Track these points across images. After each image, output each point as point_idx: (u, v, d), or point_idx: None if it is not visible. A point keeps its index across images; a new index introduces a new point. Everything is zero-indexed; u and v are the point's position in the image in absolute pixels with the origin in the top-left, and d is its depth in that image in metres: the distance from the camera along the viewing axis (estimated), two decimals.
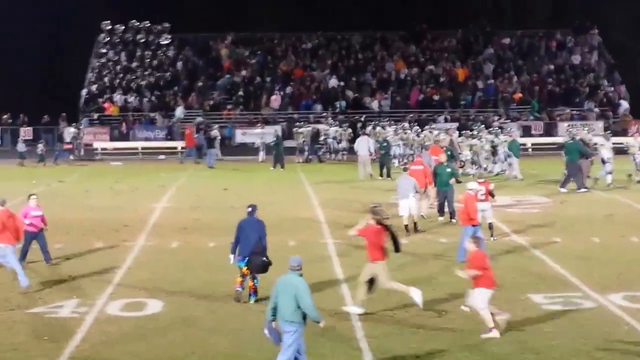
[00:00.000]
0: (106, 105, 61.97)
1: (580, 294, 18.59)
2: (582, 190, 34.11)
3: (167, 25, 67.42)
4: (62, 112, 59.84)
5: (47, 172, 45.61)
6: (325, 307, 16.22)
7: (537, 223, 27.32)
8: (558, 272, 20.68)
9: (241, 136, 58.98)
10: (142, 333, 16.24)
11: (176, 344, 15.58)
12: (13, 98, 62.94)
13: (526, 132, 57.68)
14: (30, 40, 66.42)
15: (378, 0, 72.24)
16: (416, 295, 17.15)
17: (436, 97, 62.49)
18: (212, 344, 15.56)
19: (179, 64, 66.09)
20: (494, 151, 40.90)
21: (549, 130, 58.88)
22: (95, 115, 61.16)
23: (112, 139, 58.76)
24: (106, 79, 64.45)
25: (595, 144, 37.06)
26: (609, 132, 41.39)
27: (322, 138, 51.57)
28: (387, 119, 55.61)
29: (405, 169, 26.93)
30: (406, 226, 25.30)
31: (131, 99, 62.63)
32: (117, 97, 62.71)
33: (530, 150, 53.62)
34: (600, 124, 57.31)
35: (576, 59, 66.27)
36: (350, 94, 62.81)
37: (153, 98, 62.65)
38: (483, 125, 47.89)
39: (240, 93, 63.06)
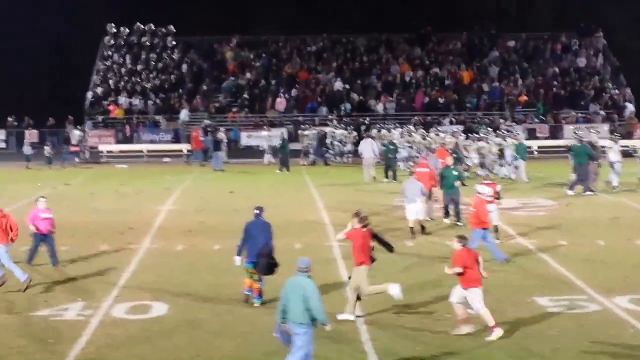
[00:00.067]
0: (111, 107, 62.00)
1: (586, 297, 18.57)
2: (588, 193, 34.10)
3: (172, 28, 67.50)
4: (67, 114, 59.98)
5: (53, 174, 45.67)
6: (330, 310, 16.18)
7: (542, 226, 27.30)
8: (563, 275, 20.65)
9: (247, 139, 59.01)
10: (147, 336, 16.25)
11: (181, 347, 15.58)
12: (18, 101, 63.10)
13: (531, 134, 57.65)
14: (35, 43, 66.57)
15: (383, 2, 72.31)
16: (393, 290, 17.07)
17: (441, 100, 62.46)
18: (217, 347, 15.55)
19: (184, 67, 66.12)
20: (501, 154, 40.90)
21: (555, 133, 58.89)
22: (100, 118, 61.20)
23: (118, 141, 58.81)
24: (111, 82, 64.51)
25: (603, 146, 37.06)
26: (617, 134, 41.30)
27: (328, 141, 51.61)
28: (392, 122, 55.56)
29: (411, 173, 26.89)
30: (412, 228, 25.30)
31: (136, 101, 62.68)
32: (122, 99, 62.75)
33: (535, 153, 53.57)
34: (605, 127, 57.27)
35: (581, 61, 66.26)
36: (355, 96, 62.81)
37: (158, 101, 62.68)
38: (490, 128, 47.88)
39: (245, 96, 63.09)
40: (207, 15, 71.04)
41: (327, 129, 52.94)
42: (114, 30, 67.14)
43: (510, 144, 40.48)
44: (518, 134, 45.40)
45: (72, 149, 52.93)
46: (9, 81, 64.89)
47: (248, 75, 65.13)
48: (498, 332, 15.65)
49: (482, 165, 41.06)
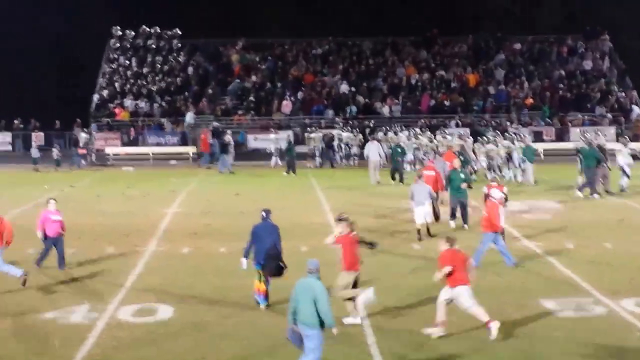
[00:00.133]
0: (117, 110, 62.07)
1: (592, 300, 18.54)
2: (595, 196, 34.09)
3: (177, 30, 67.59)
4: (71, 117, 60.00)
5: (60, 177, 45.71)
6: (336, 313, 16.18)
7: (548, 228, 27.27)
8: (569, 278, 20.63)
9: (253, 142, 59.01)
10: (153, 338, 16.26)
11: (187, 350, 15.58)
12: (18, 101, 63.21)
13: (537, 137, 57.55)
14: (41, 46, 66.68)
15: (389, 5, 72.29)
16: (364, 297, 17.03)
17: (447, 103, 62.44)
18: (223, 350, 15.55)
19: (190, 70, 66.18)
20: (509, 157, 40.89)
21: (561, 136, 58.80)
22: (106, 121, 61.24)
23: (124, 144, 58.87)
24: (117, 85, 64.59)
25: (612, 149, 37.06)
26: (627, 137, 41.27)
27: (335, 143, 51.64)
28: (398, 124, 55.50)
29: (420, 176, 26.90)
30: (419, 231, 25.31)
31: (142, 104, 62.73)
32: (128, 102, 62.82)
33: (541, 155, 53.48)
34: (612, 130, 57.20)
35: (587, 64, 66.18)
36: (361, 99, 62.80)
37: (164, 103, 62.73)
38: (498, 132, 47.85)
39: (251, 98, 63.12)
40: (212, 17, 71.07)
41: (335, 132, 53.00)
42: (120, 33, 67.22)
43: (518, 147, 40.51)
44: (525, 136, 45.37)
45: (80, 151, 53.00)
46: (15, 84, 65.02)
47: (254, 77, 65.16)
48: (495, 325, 15.71)
49: (490, 168, 41.05)
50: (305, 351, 13.31)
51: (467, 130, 54.09)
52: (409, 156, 44.95)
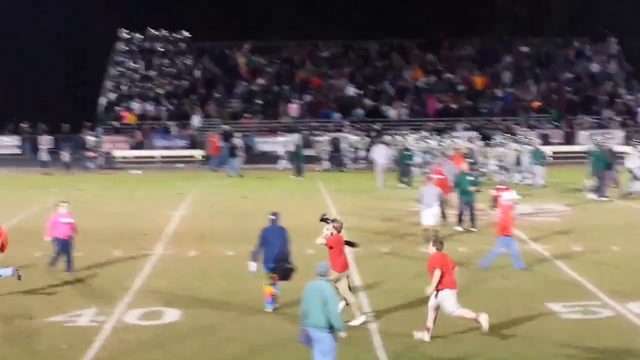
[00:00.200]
0: (124, 113, 62.13)
1: (599, 303, 18.52)
2: (604, 198, 34.08)
3: (185, 33, 67.67)
4: (80, 120, 60.01)
5: (68, 180, 45.73)
6: (342, 315, 16.18)
7: (556, 231, 27.26)
8: (576, 280, 20.61)
9: (261, 144, 58.98)
10: (160, 342, 16.27)
11: (194, 353, 15.60)
12: (31, 107, 63.23)
13: (545, 140, 57.44)
14: (48, 49, 66.70)
15: (395, 8, 72.24)
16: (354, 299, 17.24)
17: (454, 106, 62.39)
18: (230, 353, 15.56)
19: (197, 73, 66.25)
20: (518, 160, 40.87)
21: (569, 139, 58.67)
22: (113, 124, 61.28)
23: (132, 147, 58.90)
24: (124, 87, 64.68)
25: (621, 153, 37.06)
26: (637, 141, 41.24)
27: (344, 146, 51.67)
28: (405, 127, 55.50)
29: (429, 178, 26.89)
30: (425, 232, 25.28)
31: (149, 107, 62.79)
32: (135, 105, 62.88)
33: (549, 158, 53.35)
34: (620, 133, 57.08)
35: (594, 67, 66.09)
36: (368, 102, 62.79)
37: (171, 106, 62.79)
38: (507, 135, 47.84)
39: (259, 101, 63.14)
40: (220, 21, 71.13)
41: (341, 135, 53.01)
42: (128, 36, 67.32)
43: (527, 150, 40.52)
44: (533, 139, 45.39)
45: (90, 154, 53.03)
46: (23, 87, 65.10)
47: (261, 81, 65.19)
48: (484, 318, 15.75)
49: (500, 170, 41.03)
50: (317, 356, 13.25)
51: (476, 133, 54.04)
52: (417, 159, 44.92)
